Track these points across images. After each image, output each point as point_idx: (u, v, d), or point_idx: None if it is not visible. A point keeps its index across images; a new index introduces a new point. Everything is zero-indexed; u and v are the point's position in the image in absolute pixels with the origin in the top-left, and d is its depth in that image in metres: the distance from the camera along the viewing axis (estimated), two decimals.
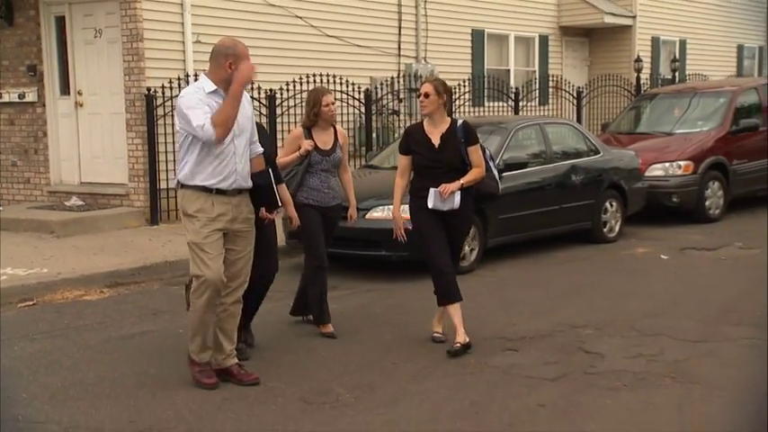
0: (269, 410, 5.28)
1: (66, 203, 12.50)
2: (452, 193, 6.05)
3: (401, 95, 15.63)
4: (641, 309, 7.57)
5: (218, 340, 5.56)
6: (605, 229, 11.13)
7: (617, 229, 11.42)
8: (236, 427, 5.01)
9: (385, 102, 15.38)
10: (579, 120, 18.20)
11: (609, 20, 20.05)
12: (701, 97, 14.37)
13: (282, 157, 6.67)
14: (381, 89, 15.35)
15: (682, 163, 12.60)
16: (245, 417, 5.17)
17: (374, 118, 15.08)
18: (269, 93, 13.24)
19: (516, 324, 7.06)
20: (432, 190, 6.06)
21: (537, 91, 18.95)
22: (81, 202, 12.53)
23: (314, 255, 6.73)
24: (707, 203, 12.83)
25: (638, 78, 20.13)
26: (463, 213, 6.28)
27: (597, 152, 11.45)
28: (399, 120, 15.42)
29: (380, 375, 5.96)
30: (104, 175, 12.89)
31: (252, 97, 12.79)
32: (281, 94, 13.35)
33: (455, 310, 6.25)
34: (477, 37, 18.09)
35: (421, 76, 15.76)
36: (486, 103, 17.70)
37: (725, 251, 10.32)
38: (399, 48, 16.41)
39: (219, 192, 5.34)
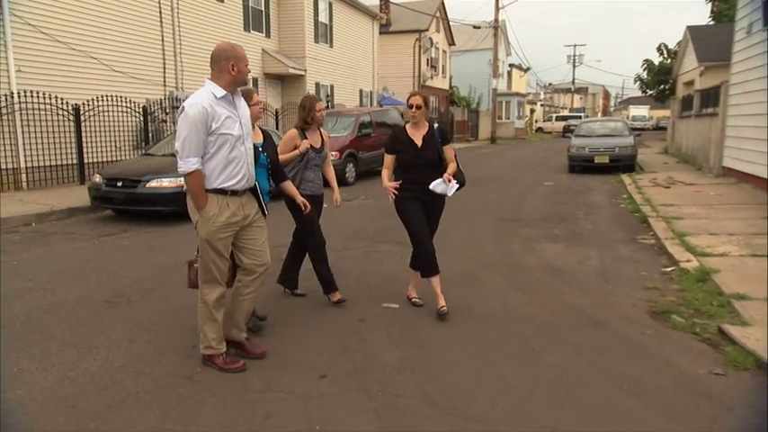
0: (78, 310, 4.79)
1: None
2: (452, 181, 4.47)
3: (167, 110, 14.57)
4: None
5: (237, 319, 3.80)
6: None
7: None
8: (64, 326, 4.49)
9: (156, 114, 14.27)
10: (277, 127, 18.05)
11: (291, 71, 19.95)
12: (343, 117, 14.84)
13: (282, 155, 4.69)
14: (153, 106, 14.23)
15: (334, 152, 12.91)
16: (65, 317, 4.64)
17: (149, 125, 13.99)
18: (75, 106, 11.93)
19: None
20: (440, 180, 4.43)
21: None
22: None
23: (316, 235, 4.94)
24: (347, 175, 13.36)
25: None
26: (440, 200, 4.65)
27: None
28: (167, 126, 14.38)
29: (158, 283, 5.61)
30: None
31: (61, 109, 11.62)
32: (84, 108, 12.10)
33: (436, 281, 4.67)
34: None
35: (180, 99, 14.89)
36: None
37: (355, 202, 10.82)
38: (165, 80, 15.23)
39: (233, 193, 3.55)
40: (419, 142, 4.59)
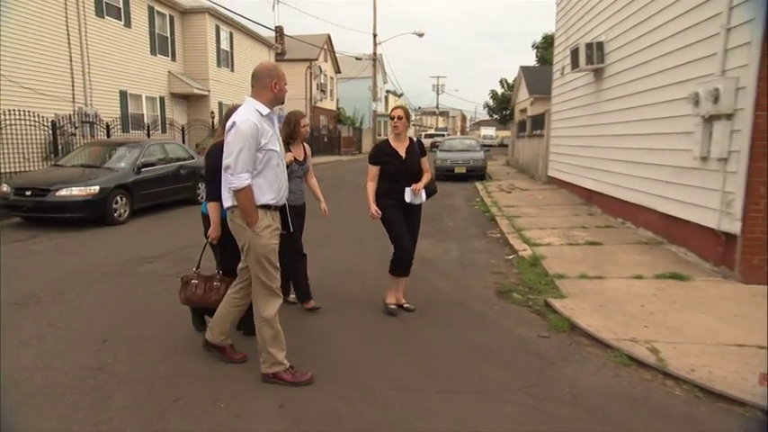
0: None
1: None
2: (420, 190, 4.14)
3: (76, 125, 13.21)
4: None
5: (227, 327, 3.35)
6: (199, 197, 10.44)
7: None
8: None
9: (66, 128, 12.86)
10: (183, 140, 17.00)
11: (196, 91, 18.86)
12: None
13: None
14: (62, 120, 12.81)
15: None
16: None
17: (59, 138, 12.57)
18: None
19: (151, 249, 6.48)
20: (407, 189, 4.10)
21: (160, 125, 17.27)
22: None
23: (297, 246, 4.37)
24: None
25: (213, 122, 19.20)
26: (419, 207, 4.29)
27: (193, 158, 10.73)
28: (76, 139, 13.01)
29: (69, 284, 5.08)
30: None
31: None
32: None
33: (403, 282, 4.40)
34: (123, 95, 15.83)
35: (89, 115, 13.59)
36: (131, 131, 15.66)
37: None
38: (74, 97, 13.78)
39: (275, 208, 3.07)
40: (403, 154, 4.20)
